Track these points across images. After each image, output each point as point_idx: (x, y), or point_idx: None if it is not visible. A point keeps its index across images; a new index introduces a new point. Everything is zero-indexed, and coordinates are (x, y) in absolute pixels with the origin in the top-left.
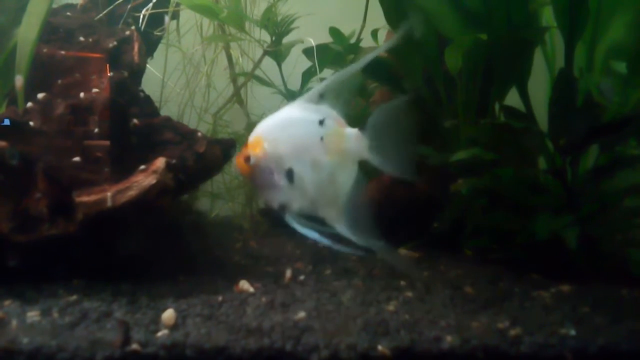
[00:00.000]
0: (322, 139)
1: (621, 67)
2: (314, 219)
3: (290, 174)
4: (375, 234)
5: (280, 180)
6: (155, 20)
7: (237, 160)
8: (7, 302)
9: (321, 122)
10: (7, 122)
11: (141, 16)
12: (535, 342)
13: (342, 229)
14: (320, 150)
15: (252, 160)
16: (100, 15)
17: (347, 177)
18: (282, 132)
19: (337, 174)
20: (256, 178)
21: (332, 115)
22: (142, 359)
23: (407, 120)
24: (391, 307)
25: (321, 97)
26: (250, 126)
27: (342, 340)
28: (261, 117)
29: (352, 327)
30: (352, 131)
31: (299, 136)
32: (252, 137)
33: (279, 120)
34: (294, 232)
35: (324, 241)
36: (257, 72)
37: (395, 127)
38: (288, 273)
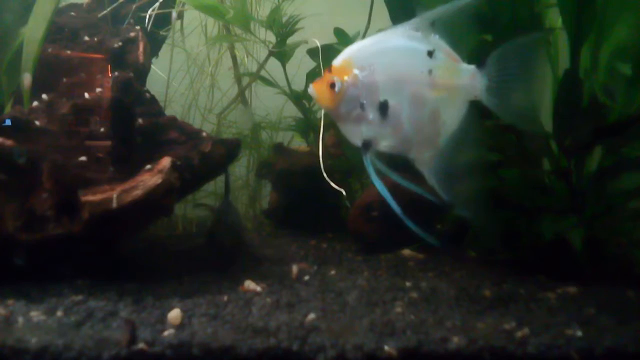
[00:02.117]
0: (429, 72)
1: (626, 68)
2: (395, 165)
3: (384, 107)
4: (466, 192)
5: (370, 113)
6: (160, 20)
7: (316, 87)
8: (12, 301)
9: (430, 54)
10: (8, 122)
11: (147, 16)
12: (541, 343)
13: (430, 175)
14: (425, 84)
15: (338, 87)
16: (105, 12)
17: (452, 118)
18: (380, 58)
19: (441, 112)
20: (340, 108)
21: (443, 47)
22: (149, 358)
23: (537, 62)
24: (397, 307)
25: (431, 26)
26: (256, 127)
27: (349, 341)
28: (265, 117)
29: (358, 328)
30: (468, 67)
31: (400, 65)
32: (340, 60)
33: (377, 45)
34: (297, 232)
35: (404, 183)
36: (261, 72)
37: (521, 68)
38: (293, 273)
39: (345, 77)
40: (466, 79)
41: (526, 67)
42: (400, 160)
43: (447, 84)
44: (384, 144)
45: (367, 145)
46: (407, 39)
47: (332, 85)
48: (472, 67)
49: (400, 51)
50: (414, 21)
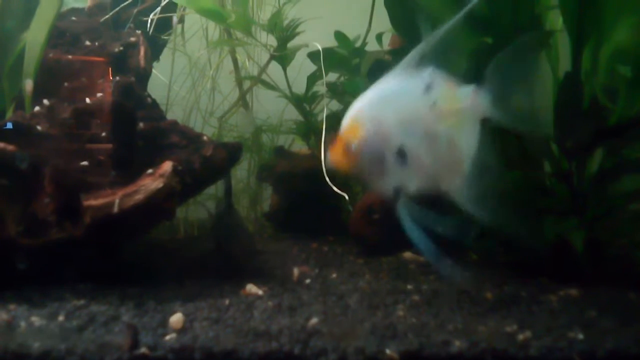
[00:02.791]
0: (433, 105)
1: (626, 70)
2: (429, 207)
3: (402, 153)
4: (505, 206)
5: (391, 162)
6: (161, 25)
7: (333, 155)
8: (14, 306)
9: (428, 87)
10: (9, 125)
11: (149, 20)
12: (543, 346)
13: (464, 202)
14: (433, 119)
15: (354, 147)
16: (106, 17)
17: (468, 142)
18: (384, 107)
19: (456, 140)
20: (361, 167)
21: (439, 76)
22: None
23: (534, 63)
24: (398, 310)
25: (423, 60)
26: (257, 130)
27: (350, 344)
28: (266, 120)
29: (360, 331)
30: (467, 88)
31: (404, 108)
32: (347, 122)
33: (377, 95)
34: (298, 236)
35: (427, 250)
36: (262, 76)
37: (521, 73)
38: (295, 276)
39: (357, 135)
40: (469, 101)
41: (524, 71)
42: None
43: (453, 111)
44: (412, 187)
45: (397, 192)
46: (403, 80)
47: (348, 148)
48: (471, 87)
49: (400, 94)
50: (405, 61)
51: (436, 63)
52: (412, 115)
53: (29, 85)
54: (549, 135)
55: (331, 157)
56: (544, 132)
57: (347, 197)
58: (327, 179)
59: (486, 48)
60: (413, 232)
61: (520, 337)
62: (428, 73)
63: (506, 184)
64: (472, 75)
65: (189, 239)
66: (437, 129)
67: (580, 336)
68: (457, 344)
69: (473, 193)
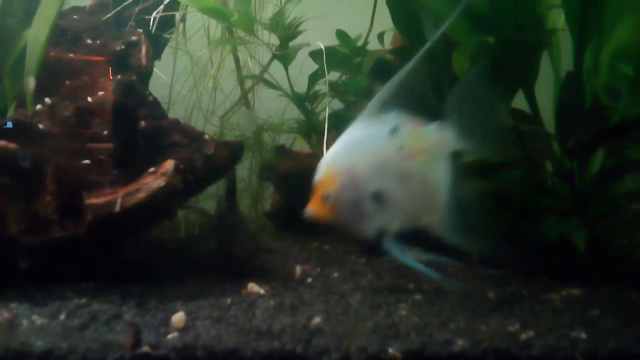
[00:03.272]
0: (401, 146)
1: (628, 69)
2: (414, 240)
3: (378, 196)
4: (488, 232)
5: (369, 206)
6: (163, 23)
7: (312, 206)
8: (16, 304)
9: (394, 130)
10: (9, 124)
11: (151, 19)
12: (546, 345)
13: (447, 233)
14: (403, 159)
15: (331, 197)
16: (108, 15)
17: (441, 176)
18: (354, 155)
19: (428, 176)
20: (341, 215)
21: (401, 118)
22: None
23: (490, 89)
24: (400, 309)
25: (384, 106)
26: (259, 129)
27: (353, 343)
28: (267, 119)
29: (362, 330)
30: (432, 126)
31: (374, 153)
32: (321, 174)
33: (346, 144)
34: (299, 235)
35: (429, 273)
36: (264, 75)
37: (478, 102)
38: (296, 275)
39: (333, 186)
40: (435, 137)
41: (483, 99)
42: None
43: (421, 149)
44: (394, 227)
45: (381, 235)
46: (369, 126)
47: (325, 199)
48: (435, 125)
49: (368, 141)
50: (367, 108)
51: (399, 106)
52: (382, 158)
53: (31, 83)
54: (517, 156)
55: (311, 210)
56: (514, 153)
57: None
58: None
59: (488, 47)
60: (411, 263)
61: (523, 336)
62: (392, 117)
63: (484, 210)
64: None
65: (190, 238)
66: (408, 169)
67: (583, 335)
68: (460, 343)
69: (452, 224)
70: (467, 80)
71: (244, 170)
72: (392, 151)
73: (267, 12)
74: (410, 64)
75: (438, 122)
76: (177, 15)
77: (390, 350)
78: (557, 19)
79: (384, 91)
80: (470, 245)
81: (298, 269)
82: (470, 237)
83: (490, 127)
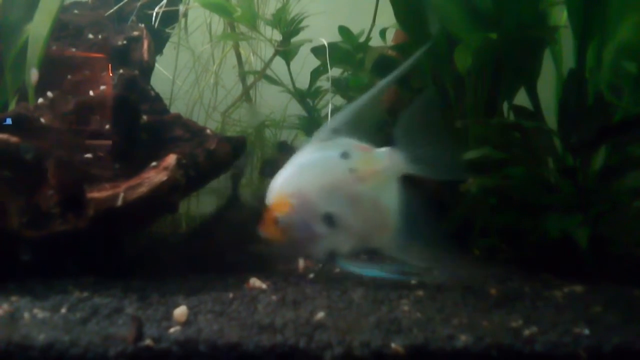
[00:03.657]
0: (352, 169)
1: (631, 66)
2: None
3: (329, 219)
4: (440, 248)
5: (320, 228)
6: (165, 18)
7: (265, 228)
8: (17, 298)
9: (344, 155)
10: (9, 121)
11: (154, 14)
12: (549, 341)
13: (398, 253)
14: (353, 182)
15: (282, 221)
16: (111, 11)
17: (391, 199)
18: (305, 178)
19: (379, 198)
20: (292, 237)
21: (352, 143)
22: (155, 355)
23: (437, 114)
24: (403, 305)
25: (335, 132)
26: (260, 125)
27: (356, 338)
28: (269, 115)
29: (365, 325)
30: (382, 150)
31: (325, 176)
32: (272, 197)
33: (298, 167)
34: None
35: (390, 275)
36: (266, 71)
37: (427, 127)
38: (298, 271)
39: (284, 209)
40: (386, 162)
41: (430, 125)
42: None
43: (372, 173)
44: (345, 248)
45: (332, 256)
46: (319, 150)
47: (276, 221)
48: (385, 149)
49: (319, 164)
50: (318, 134)
51: (350, 132)
52: (333, 181)
53: (34, 75)
54: (460, 180)
55: (262, 232)
56: (461, 177)
57: None
58: None
59: (491, 44)
60: (367, 271)
61: (526, 332)
62: (342, 142)
63: (435, 230)
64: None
65: (191, 233)
66: (359, 191)
67: (586, 332)
68: (463, 339)
69: (402, 244)
70: (417, 106)
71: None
72: (344, 174)
73: (270, 8)
74: (366, 95)
75: (388, 147)
76: (181, 8)
77: (393, 345)
78: (559, 16)
79: (335, 118)
80: (420, 262)
81: (300, 265)
82: (419, 256)
83: (438, 152)
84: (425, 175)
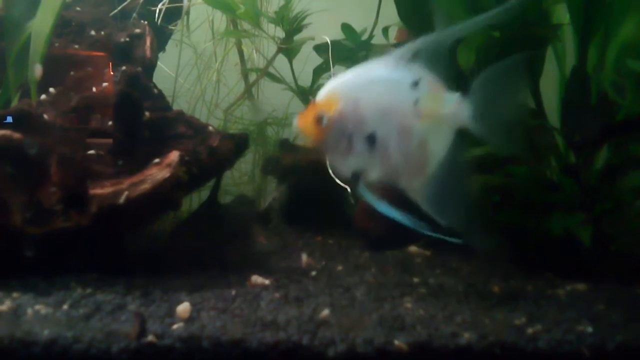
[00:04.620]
0: (415, 102)
1: (635, 65)
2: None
3: (371, 139)
4: (462, 215)
5: (358, 145)
6: (167, 15)
7: (302, 121)
8: (20, 294)
9: (415, 84)
10: (9, 119)
11: (157, 10)
12: (552, 339)
13: (423, 202)
14: (411, 115)
15: (325, 121)
16: (115, 11)
17: (439, 146)
18: (365, 91)
19: (429, 142)
20: (327, 142)
21: (427, 76)
22: (158, 351)
23: (520, 83)
24: (406, 302)
25: (415, 56)
26: (262, 123)
27: (359, 335)
28: (271, 113)
29: (368, 322)
30: (452, 96)
31: (386, 97)
32: (325, 93)
33: (361, 78)
34: (303, 229)
35: (402, 219)
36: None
37: (505, 92)
38: (301, 268)
39: (332, 111)
40: (451, 108)
41: (510, 90)
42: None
43: (433, 114)
44: (373, 175)
45: (356, 176)
46: (391, 70)
47: (319, 120)
48: (456, 95)
49: (385, 83)
50: (397, 51)
51: (427, 63)
52: (392, 105)
53: (37, 70)
54: (522, 154)
55: (300, 124)
56: (519, 151)
57: (349, 190)
58: (331, 172)
59: (494, 42)
60: (379, 204)
61: (529, 330)
62: (417, 70)
63: (466, 196)
64: (460, 83)
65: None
66: (412, 127)
67: (589, 330)
68: (466, 336)
69: (431, 196)
70: (502, 67)
71: (247, 164)
72: (406, 103)
73: (272, 5)
74: (452, 29)
75: (460, 94)
76: (185, 1)
77: (397, 342)
78: (562, 14)
79: (418, 42)
80: (439, 220)
81: (303, 261)
82: (441, 214)
83: (506, 120)
84: (482, 138)
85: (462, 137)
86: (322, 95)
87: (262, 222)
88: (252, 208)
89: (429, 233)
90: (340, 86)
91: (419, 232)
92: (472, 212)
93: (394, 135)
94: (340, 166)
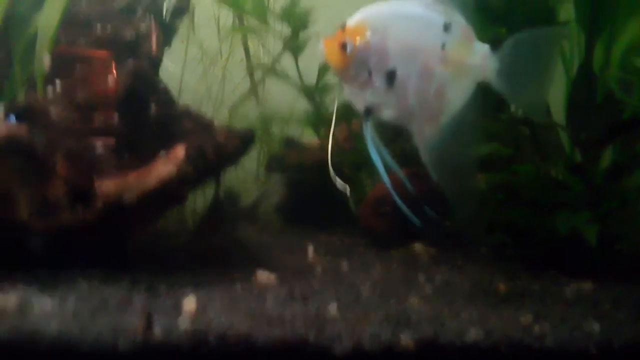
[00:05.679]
0: (443, 46)
1: None
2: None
3: (392, 76)
4: (459, 174)
5: (377, 79)
6: (173, 11)
7: (327, 46)
8: (26, 289)
9: (446, 27)
10: (12, 118)
11: (164, 6)
12: (559, 337)
13: (425, 151)
14: (437, 58)
15: (350, 49)
16: (121, 5)
17: (458, 96)
18: (395, 24)
19: (448, 89)
20: (348, 70)
21: (460, 22)
22: (165, 346)
23: (549, 54)
24: (411, 300)
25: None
26: (267, 121)
27: (365, 331)
28: (275, 110)
29: (374, 318)
30: (482, 47)
31: (414, 35)
32: (354, 21)
33: (393, 10)
34: (307, 227)
35: (391, 163)
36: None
37: (534, 57)
38: (306, 265)
39: (358, 40)
40: (478, 59)
41: (540, 58)
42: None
43: (459, 61)
44: (387, 113)
45: (368, 111)
46: (425, 8)
47: (344, 46)
48: (486, 47)
49: (416, 20)
50: None
51: (462, 8)
52: (420, 45)
53: (46, 59)
54: (546, 123)
55: (324, 48)
56: (540, 118)
57: (348, 190)
58: (331, 170)
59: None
60: (374, 154)
61: (536, 328)
62: (452, 14)
63: (470, 158)
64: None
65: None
66: (435, 70)
67: (596, 328)
68: (473, 333)
69: (436, 148)
70: (537, 34)
71: (251, 162)
72: (434, 45)
73: (278, 2)
74: None
75: (490, 48)
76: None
77: (403, 339)
78: (569, 12)
79: None
80: (434, 176)
81: (308, 258)
82: (441, 172)
83: (529, 86)
84: (503, 95)
85: (483, 95)
86: (352, 21)
87: (248, 218)
88: (236, 202)
89: (417, 221)
90: (372, 16)
91: (414, 222)
92: (468, 179)
93: (415, 75)
94: (355, 97)
